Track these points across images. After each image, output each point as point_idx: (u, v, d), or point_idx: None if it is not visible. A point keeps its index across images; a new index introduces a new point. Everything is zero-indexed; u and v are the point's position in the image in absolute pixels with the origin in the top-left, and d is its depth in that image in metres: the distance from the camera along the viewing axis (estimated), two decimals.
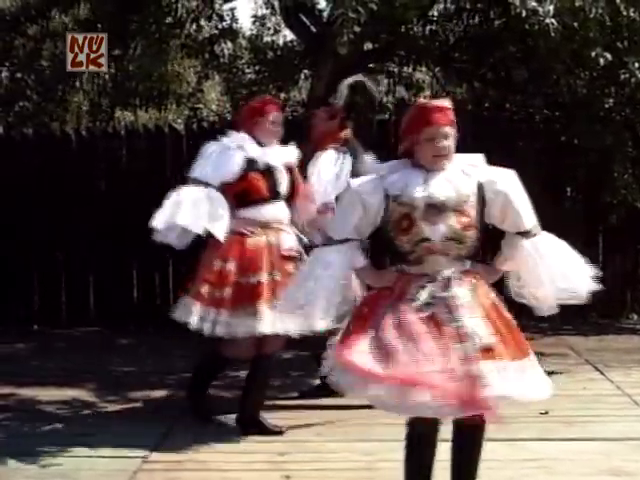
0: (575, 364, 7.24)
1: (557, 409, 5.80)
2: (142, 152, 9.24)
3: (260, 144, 5.39)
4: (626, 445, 5.19)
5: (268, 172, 5.37)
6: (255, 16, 10.22)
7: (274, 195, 5.38)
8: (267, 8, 9.97)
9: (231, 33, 8.10)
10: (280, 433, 5.45)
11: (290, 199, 5.51)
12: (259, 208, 5.35)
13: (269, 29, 10.88)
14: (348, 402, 5.34)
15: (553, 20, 6.46)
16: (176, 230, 5.17)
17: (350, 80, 5.22)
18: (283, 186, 5.43)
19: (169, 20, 7.21)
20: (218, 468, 4.96)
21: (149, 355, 7.76)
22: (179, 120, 11.32)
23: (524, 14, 6.50)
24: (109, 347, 8.18)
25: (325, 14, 9.50)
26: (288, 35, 11.33)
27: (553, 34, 6.49)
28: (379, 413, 4.00)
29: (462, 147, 3.97)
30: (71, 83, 9.33)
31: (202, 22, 7.74)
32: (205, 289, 5.27)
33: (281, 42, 10.51)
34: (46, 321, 9.13)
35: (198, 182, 5.24)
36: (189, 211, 5.12)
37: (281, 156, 5.46)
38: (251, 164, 5.32)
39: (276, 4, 9.73)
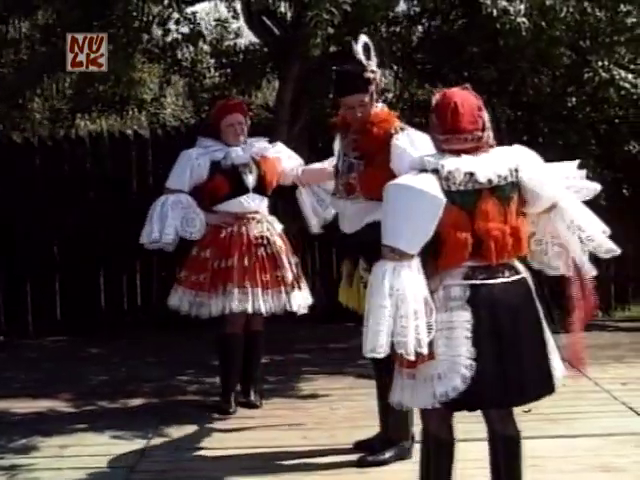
0: None
1: (539, 406, 5.65)
2: (107, 158, 9.15)
3: (227, 145, 5.95)
4: (612, 441, 5.22)
5: (232, 171, 5.89)
6: (217, 20, 10.11)
7: (240, 190, 5.91)
8: (229, 11, 9.85)
9: (198, 36, 8.02)
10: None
11: (262, 190, 5.98)
12: (228, 203, 5.91)
13: (229, 33, 10.80)
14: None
15: (524, 19, 6.49)
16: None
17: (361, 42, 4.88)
18: (249, 180, 5.93)
19: (136, 24, 7.12)
20: (206, 475, 4.91)
21: (122, 363, 7.64)
22: (135, 127, 11.22)
23: (495, 13, 6.52)
24: (80, 356, 8.04)
25: (289, 17, 9.51)
26: (250, 38, 11.32)
27: (525, 33, 6.51)
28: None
29: None
30: (32, 90, 9.17)
31: (170, 26, 7.65)
32: (186, 274, 5.98)
33: (243, 46, 10.43)
34: (13, 332, 8.97)
35: (173, 191, 5.86)
36: (169, 221, 5.73)
37: (247, 153, 5.97)
38: (216, 166, 5.90)
39: (238, 7, 9.68)
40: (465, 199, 3.66)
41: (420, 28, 9.49)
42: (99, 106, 10.06)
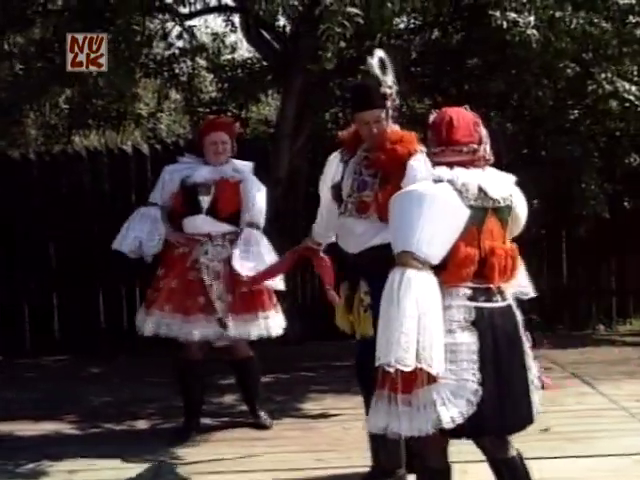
0: (562, 378, 7.15)
1: (556, 425, 5.73)
2: (105, 173, 9.05)
3: (206, 163, 5.90)
4: (634, 460, 5.11)
5: (191, 190, 5.82)
6: (215, 34, 10.03)
7: (194, 210, 5.82)
8: (226, 25, 9.76)
9: (199, 50, 7.90)
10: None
11: (215, 213, 5.81)
12: (184, 222, 5.87)
13: (226, 47, 10.72)
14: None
15: (534, 31, 6.39)
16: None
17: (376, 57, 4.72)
18: (204, 201, 5.80)
19: (138, 38, 7.01)
20: None
21: (124, 383, 7.50)
22: (128, 143, 11.12)
23: (505, 25, 6.43)
24: (80, 376, 7.91)
25: (288, 30, 9.42)
26: (245, 53, 11.24)
27: (535, 45, 6.42)
28: None
29: None
30: (29, 106, 9.06)
31: (172, 39, 7.56)
32: (148, 293, 5.98)
33: (240, 60, 10.34)
34: (9, 350, 8.81)
35: (150, 203, 5.97)
36: (129, 232, 5.84)
37: (213, 174, 5.84)
38: (183, 183, 5.86)
39: (236, 21, 9.59)
40: (475, 214, 3.60)
41: (419, 41, 9.44)
42: (96, 121, 9.92)
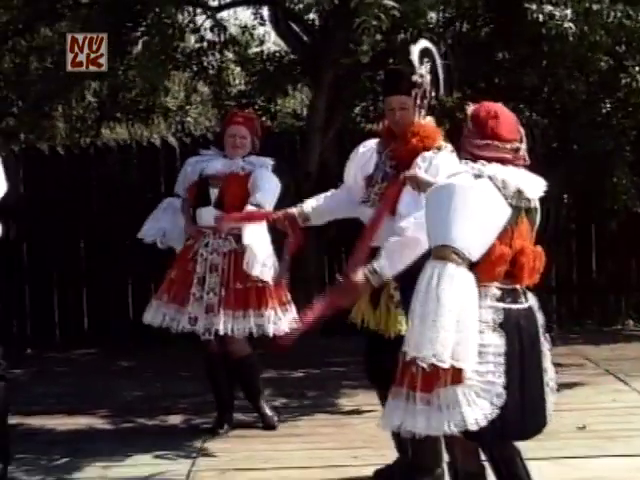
0: (595, 374, 7.11)
1: (593, 423, 5.68)
2: (135, 166, 9.06)
3: (224, 156, 5.90)
4: None
5: (204, 182, 5.83)
6: (244, 26, 9.99)
7: (203, 202, 5.82)
8: (255, 18, 9.72)
9: (230, 43, 7.86)
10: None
11: (222, 205, 5.75)
12: (196, 214, 5.86)
13: (254, 40, 10.67)
14: None
15: (571, 24, 6.32)
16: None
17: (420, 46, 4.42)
18: (213, 194, 5.80)
19: (170, 31, 6.98)
20: None
21: (155, 377, 7.49)
22: (155, 136, 11.12)
23: (541, 18, 6.36)
24: (111, 370, 7.91)
25: (317, 23, 9.37)
26: (272, 46, 11.20)
27: (571, 38, 6.35)
28: None
29: None
30: (60, 99, 9.08)
31: (203, 32, 7.51)
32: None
33: (269, 52, 10.30)
34: (40, 344, 8.83)
35: (176, 195, 6.05)
36: (153, 222, 5.94)
37: (225, 167, 5.82)
38: (200, 175, 5.87)
39: (265, 14, 9.56)
40: (512, 213, 3.53)
41: (449, 34, 9.36)
42: (125, 114, 9.93)
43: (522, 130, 3.71)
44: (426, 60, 4.57)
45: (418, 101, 4.56)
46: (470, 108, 3.72)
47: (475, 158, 3.62)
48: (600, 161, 8.42)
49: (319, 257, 9.07)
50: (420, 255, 3.81)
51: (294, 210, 4.80)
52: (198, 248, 5.74)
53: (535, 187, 3.63)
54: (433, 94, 4.65)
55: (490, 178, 3.51)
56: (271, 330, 5.62)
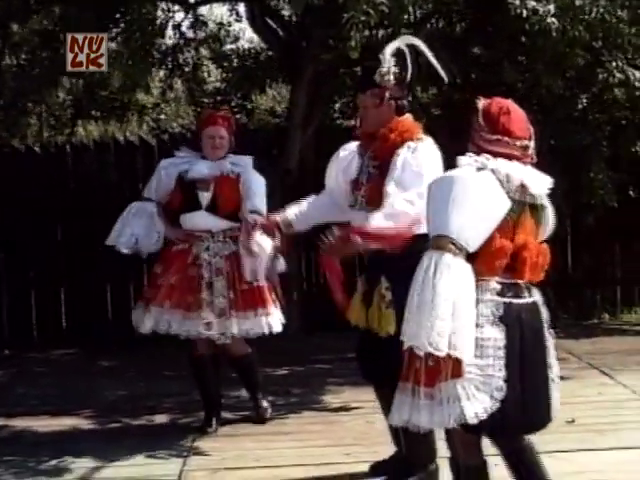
0: (579, 368, 7.15)
1: (582, 417, 5.70)
2: (112, 165, 8.98)
3: (203, 157, 5.78)
4: None
5: (190, 185, 5.69)
6: (220, 23, 9.93)
7: (193, 207, 5.69)
8: (231, 15, 9.67)
9: (207, 39, 7.81)
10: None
11: (215, 209, 5.69)
12: (182, 218, 5.74)
13: (230, 36, 10.62)
14: None
15: (554, 19, 6.35)
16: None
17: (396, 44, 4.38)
18: (204, 197, 5.67)
19: (150, 29, 6.93)
20: None
21: (138, 377, 7.43)
22: (128, 134, 11.05)
23: (525, 14, 6.38)
24: (92, 370, 7.83)
25: (294, 18, 9.32)
26: (246, 43, 11.15)
27: (554, 34, 6.38)
28: None
29: None
30: (36, 96, 8.98)
31: (183, 29, 7.47)
32: (145, 290, 5.95)
33: (244, 49, 10.25)
34: (17, 344, 8.73)
35: (145, 199, 5.84)
36: (126, 228, 5.72)
37: (212, 169, 5.71)
38: (180, 179, 5.73)
39: (241, 10, 9.51)
40: (514, 208, 3.55)
41: (425, 30, 9.36)
42: (99, 112, 9.85)
43: (532, 128, 3.72)
44: (395, 59, 4.52)
45: (391, 101, 4.52)
46: (481, 103, 3.72)
47: (482, 152, 3.63)
48: (577, 156, 8.46)
49: (296, 253, 9.05)
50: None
51: (277, 218, 4.82)
52: (198, 253, 5.67)
53: (540, 183, 3.64)
54: (405, 92, 4.59)
55: (493, 171, 3.53)
56: (280, 327, 5.75)
